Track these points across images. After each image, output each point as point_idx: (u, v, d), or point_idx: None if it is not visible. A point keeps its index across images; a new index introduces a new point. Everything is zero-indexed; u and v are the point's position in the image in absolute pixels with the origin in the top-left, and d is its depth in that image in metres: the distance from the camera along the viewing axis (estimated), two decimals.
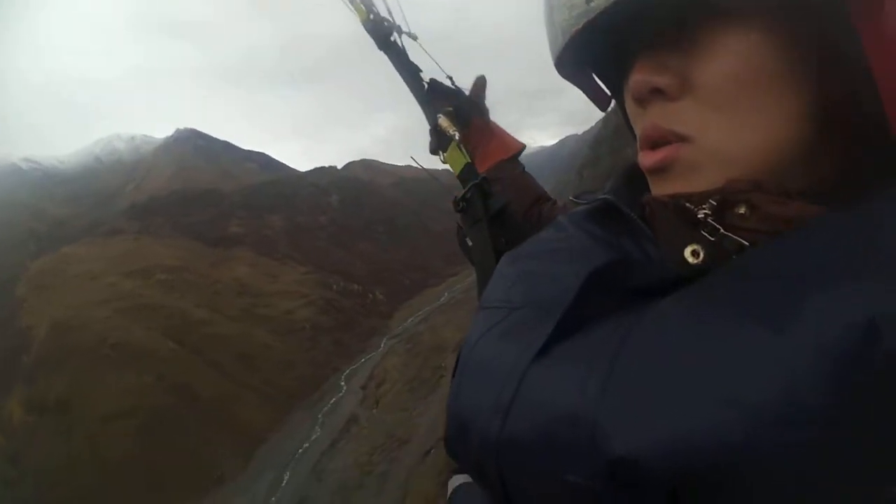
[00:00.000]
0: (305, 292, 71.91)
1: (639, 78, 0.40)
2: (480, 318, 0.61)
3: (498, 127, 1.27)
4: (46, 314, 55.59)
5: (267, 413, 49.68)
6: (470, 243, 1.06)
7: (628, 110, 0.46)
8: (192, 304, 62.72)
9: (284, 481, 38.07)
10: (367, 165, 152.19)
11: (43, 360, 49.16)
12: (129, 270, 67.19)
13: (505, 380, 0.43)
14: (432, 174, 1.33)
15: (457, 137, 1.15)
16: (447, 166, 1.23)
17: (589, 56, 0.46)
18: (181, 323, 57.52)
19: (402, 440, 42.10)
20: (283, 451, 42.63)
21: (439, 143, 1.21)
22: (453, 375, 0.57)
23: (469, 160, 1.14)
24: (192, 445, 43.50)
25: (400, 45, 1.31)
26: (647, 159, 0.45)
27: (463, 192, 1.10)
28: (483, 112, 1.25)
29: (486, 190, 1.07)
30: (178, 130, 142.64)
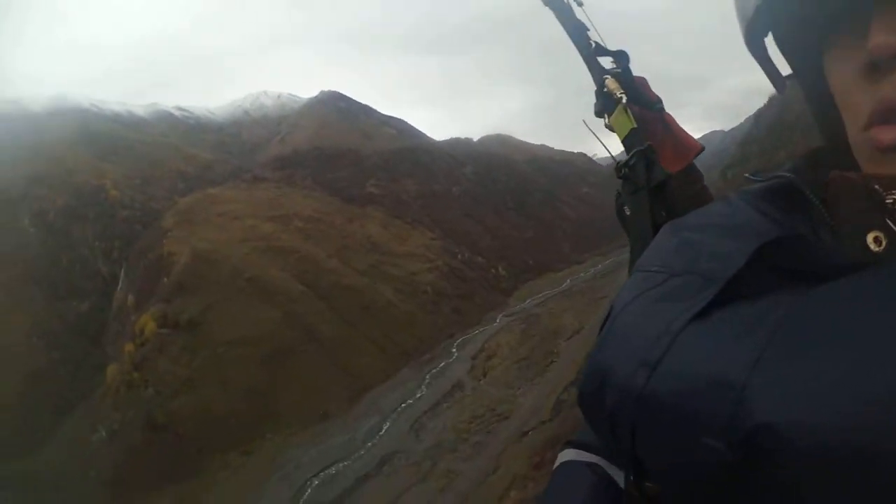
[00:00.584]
0: (431, 257, 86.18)
1: (886, 40, 0.39)
2: (635, 280, 0.59)
3: (674, 122, 1.42)
4: (188, 244, 70.71)
5: (379, 364, 62.13)
6: (627, 212, 1.22)
7: (838, 85, 0.42)
8: (324, 254, 77.49)
9: (383, 430, 48.69)
10: (502, 140, 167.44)
11: (181, 284, 63.68)
12: (269, 215, 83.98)
13: (657, 337, 0.45)
14: (604, 144, 1.45)
15: (623, 100, 1.29)
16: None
17: (777, 26, 0.43)
18: (312, 269, 72.18)
19: (503, 416, 48.79)
20: (387, 402, 54.13)
21: (605, 105, 1.36)
22: (601, 330, 0.59)
23: (635, 125, 1.27)
24: (306, 381, 55.77)
25: (565, 1, 1.54)
26: (887, 134, 0.48)
27: (627, 158, 1.25)
28: (653, 104, 1.41)
29: (651, 159, 1.20)
30: (321, 92, 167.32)
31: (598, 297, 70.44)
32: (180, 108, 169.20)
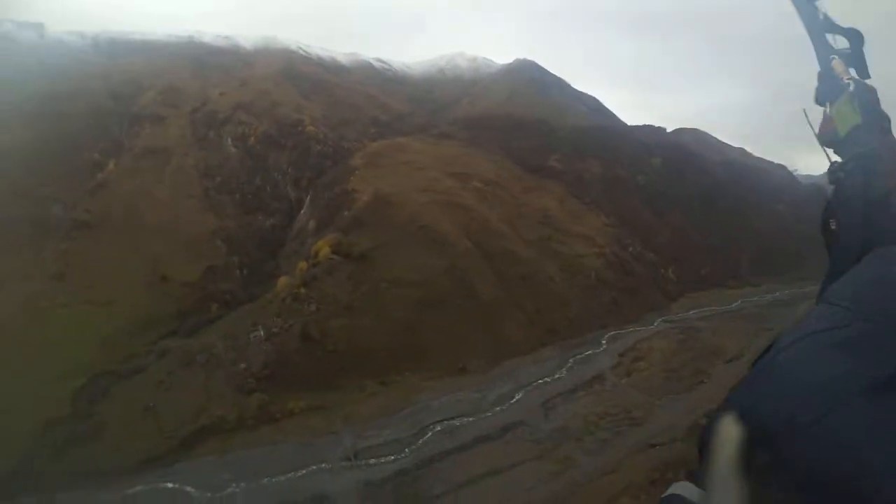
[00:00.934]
0: (602, 243, 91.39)
1: None
2: (816, 314, 0.62)
3: None
4: (372, 185, 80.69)
5: (526, 335, 68.00)
6: (833, 226, 1.17)
7: None
8: (496, 217, 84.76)
9: (514, 399, 54.65)
10: (696, 136, 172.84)
11: (358, 220, 74.05)
12: (450, 171, 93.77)
13: (819, 392, 0.45)
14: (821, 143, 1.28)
15: (851, 87, 1.28)
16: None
17: None
18: (482, 229, 79.72)
19: (636, 421, 51.92)
20: (525, 374, 60.05)
21: (829, 90, 1.36)
22: (753, 364, 0.75)
23: (860, 120, 1.26)
24: (453, 333, 63.11)
25: None
26: None
27: (844, 160, 1.20)
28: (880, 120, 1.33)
29: (872, 165, 1.14)
30: (516, 60, 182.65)
31: (767, 327, 70.87)
32: (379, 60, 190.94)
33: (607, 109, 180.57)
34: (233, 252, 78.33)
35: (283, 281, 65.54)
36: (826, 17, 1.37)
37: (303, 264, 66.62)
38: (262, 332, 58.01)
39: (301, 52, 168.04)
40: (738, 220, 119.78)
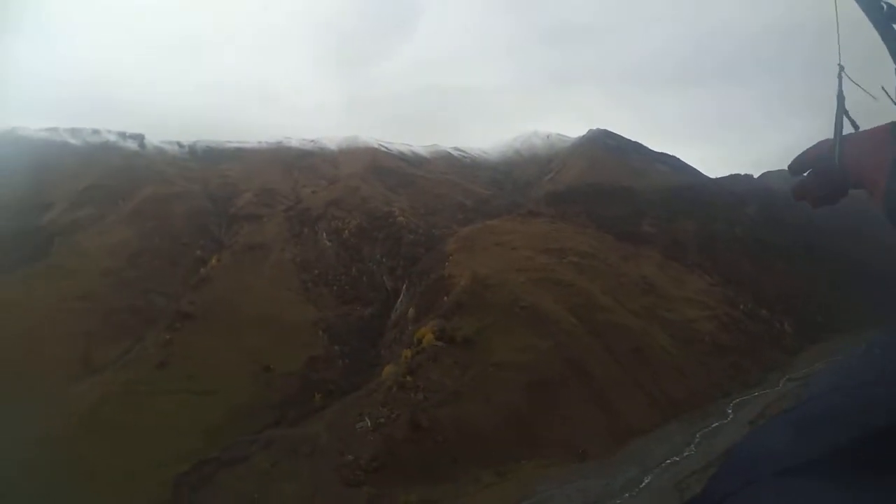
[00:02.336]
0: (711, 305, 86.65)
1: None
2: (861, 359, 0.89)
3: None
4: (468, 269, 78.37)
5: (646, 411, 62.84)
6: None
7: None
8: (598, 290, 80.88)
9: (644, 483, 49.49)
10: (785, 176, 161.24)
11: (459, 304, 71.06)
12: (544, 248, 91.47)
13: (749, 467, 0.47)
14: None
15: None
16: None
17: None
18: (585, 303, 75.91)
19: None
20: (651, 455, 54.82)
21: None
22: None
23: None
24: (568, 415, 58.43)
25: None
26: None
27: None
28: None
29: None
30: (589, 130, 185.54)
31: None
32: (457, 149, 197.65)
33: (689, 166, 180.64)
34: (334, 342, 77.11)
35: (388, 369, 63.20)
36: (890, 7, 1.37)
37: (407, 352, 64.31)
38: (368, 423, 55.43)
39: (383, 148, 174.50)
40: (846, 258, 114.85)
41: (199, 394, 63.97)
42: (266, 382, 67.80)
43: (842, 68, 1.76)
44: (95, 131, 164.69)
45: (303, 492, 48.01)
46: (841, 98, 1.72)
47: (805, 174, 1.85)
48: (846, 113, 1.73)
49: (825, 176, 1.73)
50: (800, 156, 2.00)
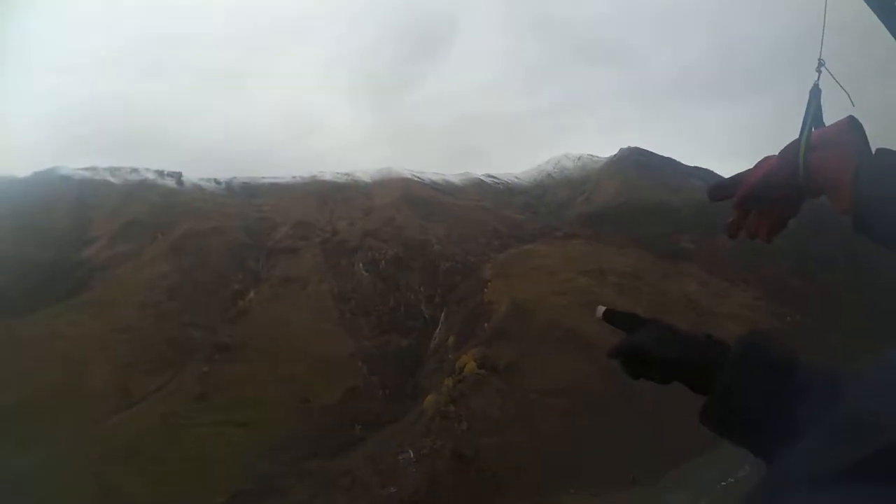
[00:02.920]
0: (756, 319, 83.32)
1: None
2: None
3: None
4: (507, 295, 77.36)
5: (696, 433, 55.60)
6: None
7: None
8: (640, 309, 77.77)
9: None
10: None
11: (500, 330, 69.71)
12: (583, 270, 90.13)
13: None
14: None
15: None
16: None
17: None
18: None
19: None
20: (705, 478, 51.57)
21: None
22: None
23: None
24: (616, 441, 55.67)
25: None
26: None
27: None
28: None
29: None
30: (621, 149, 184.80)
31: None
32: (490, 175, 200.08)
33: (724, 179, 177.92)
34: (372, 372, 75.73)
35: (429, 399, 61.29)
36: None
37: (448, 381, 62.46)
38: (411, 454, 53.87)
39: (415, 178, 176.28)
40: (889, 265, 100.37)
41: (236, 425, 63.09)
42: (304, 414, 66.62)
43: (822, 63, 1.72)
44: (134, 170, 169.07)
45: None
46: (816, 93, 1.69)
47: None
48: (819, 110, 1.69)
49: (782, 178, 1.68)
50: (726, 180, 2.02)
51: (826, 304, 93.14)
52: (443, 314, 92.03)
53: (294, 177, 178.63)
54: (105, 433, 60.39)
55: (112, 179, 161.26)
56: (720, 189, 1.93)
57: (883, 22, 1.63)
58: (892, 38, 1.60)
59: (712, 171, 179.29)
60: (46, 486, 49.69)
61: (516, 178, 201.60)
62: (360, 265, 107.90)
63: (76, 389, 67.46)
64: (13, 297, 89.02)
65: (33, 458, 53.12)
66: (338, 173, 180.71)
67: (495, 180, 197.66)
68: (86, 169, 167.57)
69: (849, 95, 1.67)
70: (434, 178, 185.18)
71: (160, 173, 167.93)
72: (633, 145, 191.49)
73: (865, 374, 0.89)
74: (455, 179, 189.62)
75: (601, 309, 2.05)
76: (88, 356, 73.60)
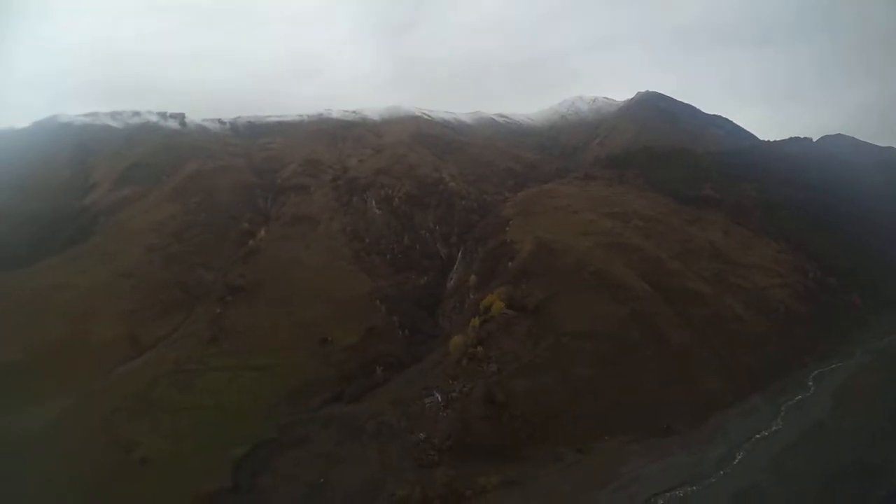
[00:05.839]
0: (781, 272, 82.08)
1: None
2: None
3: None
4: (530, 234, 73.79)
5: (727, 383, 57.73)
6: None
7: None
8: (666, 255, 75.97)
9: (737, 460, 44.80)
10: (844, 142, 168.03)
11: (525, 270, 66.46)
12: (607, 212, 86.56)
13: None
14: None
15: None
16: None
17: None
18: (656, 269, 71.10)
19: (875, 466, 42.40)
20: (738, 428, 50.16)
21: None
22: None
23: None
24: (649, 388, 53.40)
25: None
26: None
27: None
28: None
29: None
30: (639, 93, 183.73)
31: None
32: (502, 115, 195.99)
33: (743, 129, 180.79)
34: (391, 312, 72.58)
35: (456, 340, 57.52)
36: None
37: (475, 321, 58.84)
38: (439, 398, 50.42)
39: (426, 116, 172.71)
40: None
41: (252, 370, 60.06)
42: (323, 356, 63.56)
43: None
44: (136, 113, 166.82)
45: (372, 475, 43.67)
46: None
47: None
48: None
49: None
50: None
51: (846, 262, 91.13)
52: (460, 253, 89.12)
53: (301, 115, 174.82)
54: (115, 385, 57.47)
55: (113, 124, 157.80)
56: None
57: None
58: None
59: (731, 121, 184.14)
60: (56, 449, 46.63)
61: (529, 118, 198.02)
62: (373, 203, 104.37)
63: (83, 341, 64.51)
64: (15, 249, 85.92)
65: (41, 418, 50.43)
66: (346, 111, 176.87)
67: (508, 120, 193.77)
68: (86, 115, 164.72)
69: None
70: (445, 116, 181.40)
71: (163, 115, 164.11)
72: (652, 90, 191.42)
73: None
74: (466, 118, 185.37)
75: None
76: (95, 304, 70.55)
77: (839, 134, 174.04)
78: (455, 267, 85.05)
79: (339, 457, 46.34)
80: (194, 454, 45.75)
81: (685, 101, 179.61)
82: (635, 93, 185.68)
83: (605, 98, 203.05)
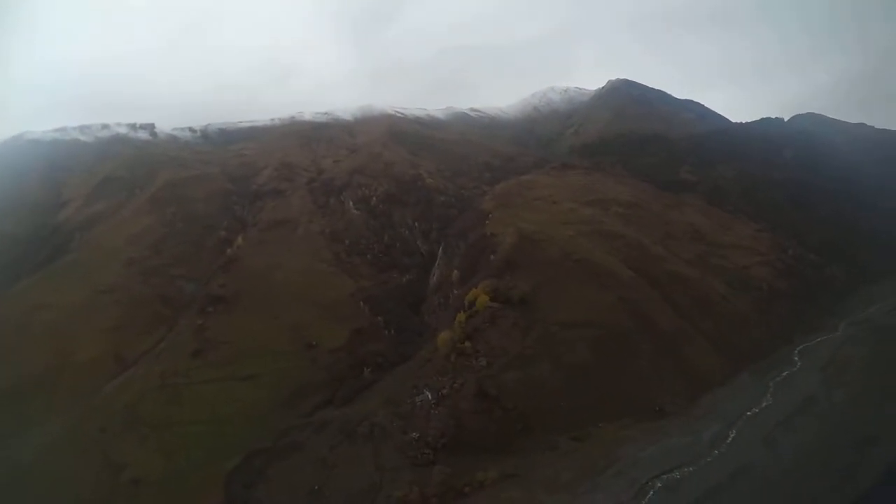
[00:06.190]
0: (761, 250, 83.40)
1: None
2: None
3: None
4: (512, 225, 72.81)
5: (716, 363, 58.47)
6: None
7: None
8: (648, 240, 76.36)
9: (730, 438, 44.93)
10: (816, 120, 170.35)
11: (509, 262, 65.54)
12: (586, 200, 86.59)
13: None
14: None
15: None
16: None
17: None
18: (639, 255, 71.36)
19: (867, 438, 42.43)
20: (729, 407, 50.56)
21: None
22: None
23: None
24: (641, 372, 53.82)
25: None
26: None
27: None
28: None
29: None
30: (609, 82, 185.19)
31: None
32: (474, 109, 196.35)
33: (714, 112, 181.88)
34: (376, 312, 72.32)
35: (443, 336, 57.04)
36: None
37: (461, 315, 58.36)
38: (429, 395, 50.08)
39: (398, 114, 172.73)
40: (887, 199, 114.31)
41: (240, 379, 59.52)
42: (311, 361, 63.24)
43: None
44: (105, 126, 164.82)
45: (368, 478, 43.17)
46: None
47: None
48: None
49: None
50: None
51: (825, 238, 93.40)
52: (440, 249, 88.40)
53: (272, 119, 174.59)
54: (102, 405, 56.86)
55: (83, 138, 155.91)
56: None
57: None
58: None
59: (703, 105, 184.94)
60: (49, 476, 46.12)
61: (502, 111, 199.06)
62: (351, 203, 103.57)
63: (67, 362, 63.97)
64: None
65: (32, 444, 49.86)
66: (318, 113, 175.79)
67: (480, 114, 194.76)
68: (55, 130, 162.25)
69: None
70: (418, 113, 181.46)
71: (132, 127, 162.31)
72: (623, 77, 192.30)
73: None
74: (439, 114, 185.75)
75: None
76: (76, 323, 69.82)
77: (810, 112, 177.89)
78: (437, 263, 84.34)
79: (334, 461, 45.87)
80: (186, 469, 45.23)
81: (658, 87, 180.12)
82: (605, 82, 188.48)
83: (576, 88, 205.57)
